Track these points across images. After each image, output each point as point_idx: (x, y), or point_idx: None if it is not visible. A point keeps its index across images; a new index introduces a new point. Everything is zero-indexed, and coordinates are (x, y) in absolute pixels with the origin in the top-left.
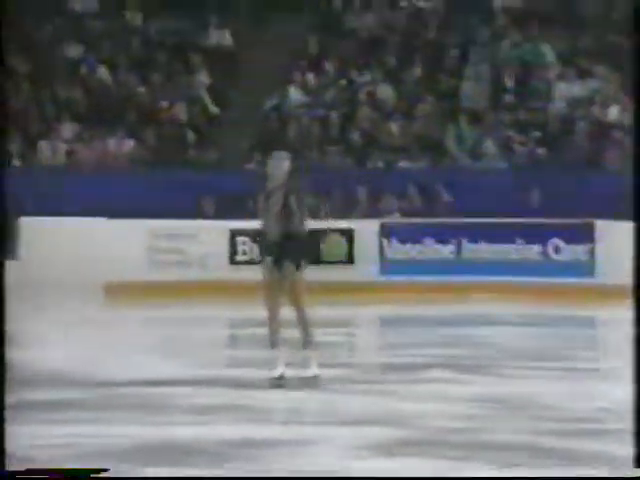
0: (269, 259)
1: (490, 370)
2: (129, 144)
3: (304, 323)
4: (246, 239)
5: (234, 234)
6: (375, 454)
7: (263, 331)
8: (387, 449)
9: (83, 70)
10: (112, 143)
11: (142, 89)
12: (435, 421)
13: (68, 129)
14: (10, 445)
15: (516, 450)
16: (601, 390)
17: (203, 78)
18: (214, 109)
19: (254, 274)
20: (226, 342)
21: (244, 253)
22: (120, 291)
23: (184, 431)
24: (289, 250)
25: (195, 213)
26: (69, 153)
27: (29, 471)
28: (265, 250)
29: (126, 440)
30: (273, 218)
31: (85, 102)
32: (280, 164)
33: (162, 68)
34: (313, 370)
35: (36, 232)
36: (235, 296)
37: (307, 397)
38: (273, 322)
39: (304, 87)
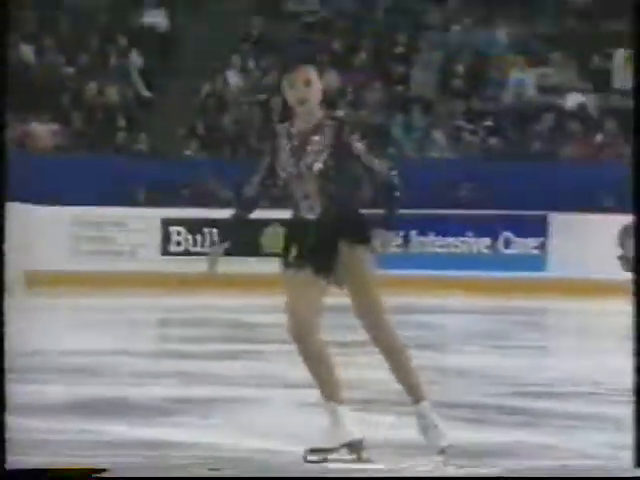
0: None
1: (444, 348)
2: (53, 128)
3: (402, 363)
4: (181, 229)
5: (167, 223)
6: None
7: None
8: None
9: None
10: (35, 127)
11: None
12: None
13: None
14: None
15: (484, 409)
16: (549, 363)
17: (135, 60)
18: (146, 93)
19: (188, 266)
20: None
21: (178, 244)
22: (43, 281)
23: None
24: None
25: (126, 201)
26: None
27: (28, 471)
28: (292, 238)
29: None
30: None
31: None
32: (306, 83)
33: (91, 49)
34: (441, 438)
35: None
36: (168, 288)
37: None
38: (319, 358)
39: (244, 71)
